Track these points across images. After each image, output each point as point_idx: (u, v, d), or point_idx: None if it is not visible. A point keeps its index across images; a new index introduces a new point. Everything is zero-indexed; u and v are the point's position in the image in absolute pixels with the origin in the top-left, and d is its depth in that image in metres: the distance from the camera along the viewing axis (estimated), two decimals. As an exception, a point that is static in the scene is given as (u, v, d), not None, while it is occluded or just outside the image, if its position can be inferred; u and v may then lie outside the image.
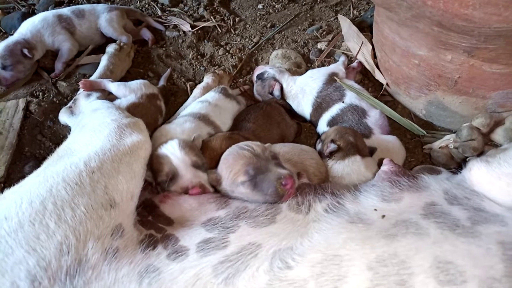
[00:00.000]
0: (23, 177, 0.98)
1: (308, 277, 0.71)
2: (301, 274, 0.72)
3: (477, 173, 0.90)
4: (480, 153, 1.21)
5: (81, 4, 2.07)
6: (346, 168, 1.17)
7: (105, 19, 1.82)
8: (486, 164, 0.90)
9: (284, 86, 1.57)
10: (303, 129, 1.57)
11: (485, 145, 1.22)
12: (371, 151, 1.25)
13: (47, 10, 2.03)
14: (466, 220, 0.78)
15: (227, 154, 1.01)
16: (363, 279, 0.69)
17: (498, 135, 1.23)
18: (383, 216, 0.82)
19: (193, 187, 0.99)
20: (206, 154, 1.13)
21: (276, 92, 1.54)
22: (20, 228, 0.77)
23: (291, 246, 0.77)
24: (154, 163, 1.04)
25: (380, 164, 1.07)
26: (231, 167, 0.96)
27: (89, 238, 0.79)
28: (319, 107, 1.47)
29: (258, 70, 1.65)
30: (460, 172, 1.00)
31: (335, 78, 1.50)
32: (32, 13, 2.05)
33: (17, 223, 0.78)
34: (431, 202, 0.85)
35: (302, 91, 1.53)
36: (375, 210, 0.84)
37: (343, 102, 1.43)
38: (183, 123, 1.28)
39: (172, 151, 1.04)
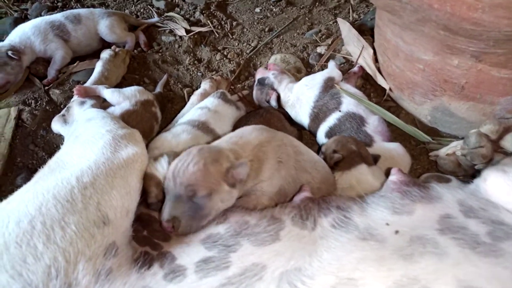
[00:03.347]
0: (14, 189, 0.92)
1: None
2: None
3: (494, 183, 0.85)
4: (489, 161, 1.17)
5: (75, 9, 2.01)
6: (353, 178, 1.11)
7: (105, 25, 1.77)
8: (503, 174, 0.85)
9: (282, 96, 1.51)
10: (303, 136, 1.52)
11: (494, 152, 1.17)
12: (375, 159, 1.21)
13: (40, 15, 1.98)
14: (486, 235, 0.73)
15: None
16: None
17: (507, 142, 1.18)
18: (397, 231, 0.77)
19: None
20: None
21: (273, 102, 1.49)
22: (5, 250, 0.72)
23: (299, 267, 0.72)
24: (144, 184, 0.97)
25: (387, 173, 1.02)
26: None
27: (79, 259, 0.74)
28: (317, 117, 1.40)
29: (259, 74, 1.60)
30: (472, 181, 0.95)
31: (333, 84, 1.44)
32: (25, 18, 2.00)
33: (3, 245, 0.72)
34: (446, 215, 0.80)
35: (298, 101, 1.46)
36: (387, 224, 0.79)
37: (340, 110, 1.36)
38: (179, 134, 1.22)
39: (161, 170, 0.98)
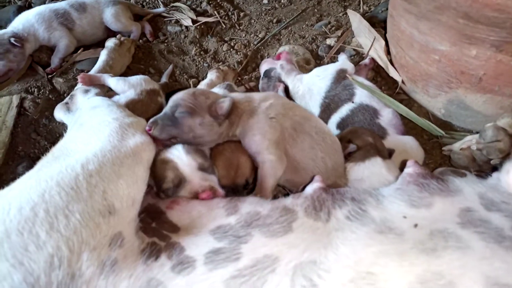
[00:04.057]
0: (15, 178, 0.89)
1: None
2: None
3: None
4: (506, 155, 1.13)
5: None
6: (366, 170, 1.08)
7: (110, 14, 1.74)
8: (526, 167, 0.81)
9: (290, 87, 1.48)
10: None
11: (511, 147, 1.13)
12: (389, 153, 1.17)
13: (44, 3, 1.94)
14: (510, 229, 0.69)
15: None
16: None
17: (525, 136, 1.14)
18: (416, 225, 0.73)
19: (203, 191, 0.91)
20: (217, 160, 1.04)
21: (281, 93, 1.46)
22: (6, 237, 0.68)
23: (314, 259, 0.68)
24: (158, 169, 0.95)
25: (403, 166, 0.99)
26: None
27: (84, 249, 0.70)
28: (328, 108, 1.37)
29: (265, 65, 1.56)
30: (491, 175, 0.91)
31: (346, 75, 1.41)
32: (29, 6, 1.97)
33: (3, 232, 0.69)
34: (466, 208, 0.76)
35: (309, 91, 1.43)
36: (405, 217, 0.76)
37: (352, 102, 1.33)
38: None
39: (178, 155, 0.95)
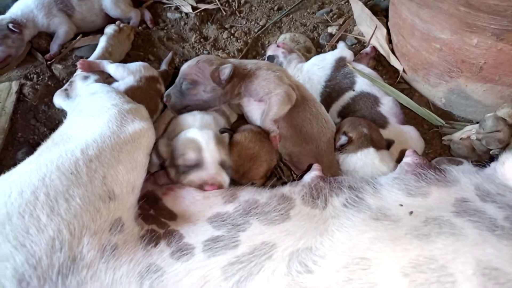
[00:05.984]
0: (15, 164, 0.90)
1: (333, 284, 0.63)
2: (324, 280, 0.64)
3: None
4: (505, 146, 1.13)
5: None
6: (358, 161, 1.09)
7: (110, 0, 1.72)
8: (521, 158, 0.82)
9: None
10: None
11: (511, 137, 1.14)
12: (389, 144, 1.17)
13: (43, -11, 1.92)
14: (503, 220, 0.70)
15: None
16: (399, 287, 0.61)
17: (525, 126, 1.14)
18: (411, 212, 0.74)
19: (212, 184, 0.91)
20: (235, 151, 1.04)
21: None
22: (8, 220, 0.69)
23: (310, 246, 0.70)
24: (182, 143, 0.97)
25: (402, 155, 0.99)
26: None
27: (84, 233, 0.71)
28: (328, 96, 1.37)
29: (270, 51, 1.55)
30: (489, 165, 0.92)
31: (345, 64, 1.40)
32: (27, -8, 1.94)
33: (5, 215, 0.70)
34: (462, 198, 0.77)
35: (309, 80, 1.42)
36: (401, 205, 0.76)
37: (353, 90, 1.33)
38: (203, 116, 1.17)
39: (207, 141, 0.96)
